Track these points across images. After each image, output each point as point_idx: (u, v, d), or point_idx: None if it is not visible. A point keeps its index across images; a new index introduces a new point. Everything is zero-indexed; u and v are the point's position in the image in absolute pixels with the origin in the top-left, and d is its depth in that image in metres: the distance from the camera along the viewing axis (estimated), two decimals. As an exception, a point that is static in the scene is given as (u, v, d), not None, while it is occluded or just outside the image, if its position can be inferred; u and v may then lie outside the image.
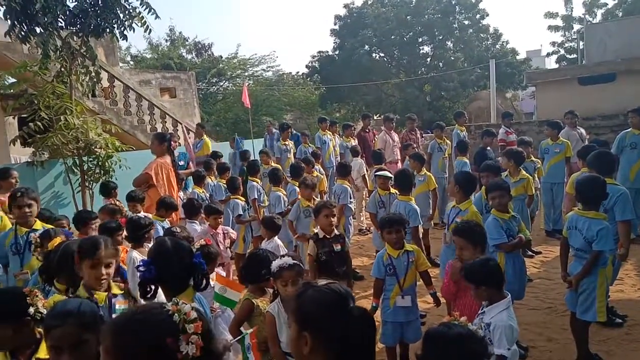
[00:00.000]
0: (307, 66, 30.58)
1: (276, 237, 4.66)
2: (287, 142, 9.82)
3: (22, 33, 8.12)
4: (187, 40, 29.20)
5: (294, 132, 11.26)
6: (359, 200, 8.41)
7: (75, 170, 8.49)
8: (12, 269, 3.63)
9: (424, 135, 12.32)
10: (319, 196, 6.99)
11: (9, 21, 8.11)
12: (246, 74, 29.58)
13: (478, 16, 26.91)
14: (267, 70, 30.38)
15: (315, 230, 4.14)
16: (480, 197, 4.88)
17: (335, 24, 28.78)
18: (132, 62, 27.54)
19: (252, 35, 67.87)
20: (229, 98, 28.55)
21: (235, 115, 26.44)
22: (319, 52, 29.81)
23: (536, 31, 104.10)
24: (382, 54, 29.20)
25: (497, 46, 27.14)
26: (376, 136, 9.88)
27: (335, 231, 4.08)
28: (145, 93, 12.20)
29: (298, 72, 32.96)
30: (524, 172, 5.96)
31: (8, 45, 9.65)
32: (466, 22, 27.09)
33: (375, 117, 24.47)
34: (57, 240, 3.01)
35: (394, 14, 27.00)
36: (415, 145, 9.03)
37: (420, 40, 28.15)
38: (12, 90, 12.87)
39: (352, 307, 1.45)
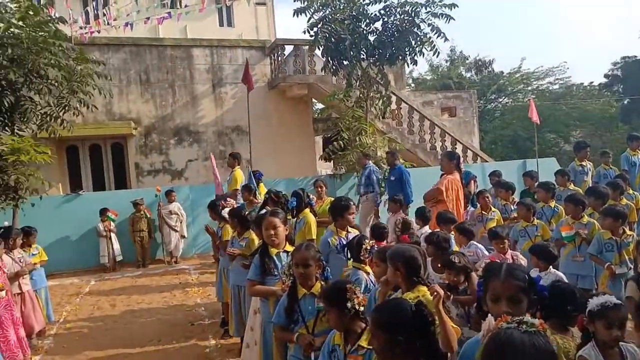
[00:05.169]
0: (605, 75, 26.54)
1: (552, 268, 4.11)
2: (584, 163, 8.60)
3: (334, 67, 9.70)
4: (467, 59, 29.23)
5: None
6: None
7: (364, 183, 9.53)
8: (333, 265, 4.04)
9: None
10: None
11: (324, 58, 9.82)
12: (529, 88, 27.58)
13: None
14: (554, 83, 27.60)
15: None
16: None
17: (648, 22, 24.05)
18: (413, 85, 29.30)
19: (538, 46, 62.77)
20: (506, 115, 27.16)
21: (513, 132, 24.90)
22: (623, 57, 25.43)
23: None
24: None
25: None
26: None
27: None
28: (427, 113, 12.75)
29: (592, 83, 28.82)
30: None
31: (322, 78, 11.62)
32: None
33: None
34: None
35: None
36: None
37: None
38: (319, 115, 15.57)
39: None
